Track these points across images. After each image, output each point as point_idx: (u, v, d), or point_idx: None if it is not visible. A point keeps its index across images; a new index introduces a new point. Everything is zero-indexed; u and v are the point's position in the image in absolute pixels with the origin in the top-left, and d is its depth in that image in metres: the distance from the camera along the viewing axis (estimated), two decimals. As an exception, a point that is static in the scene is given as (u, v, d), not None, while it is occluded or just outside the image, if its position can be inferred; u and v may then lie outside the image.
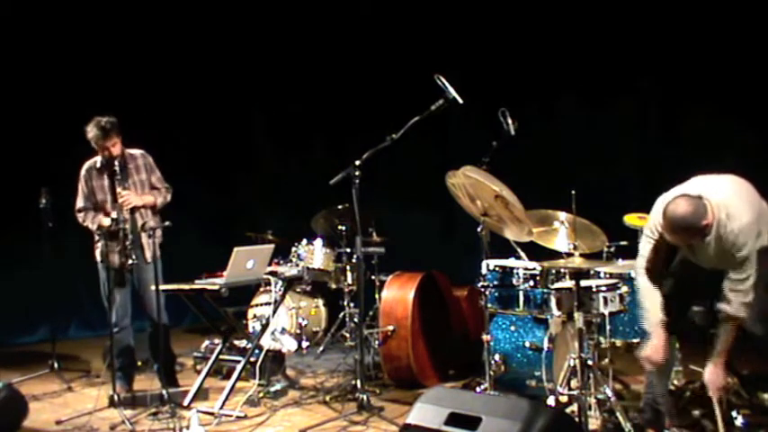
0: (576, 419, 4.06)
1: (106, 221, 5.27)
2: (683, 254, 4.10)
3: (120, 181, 5.31)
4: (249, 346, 5.54)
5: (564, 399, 4.51)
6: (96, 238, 5.37)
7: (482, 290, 4.85)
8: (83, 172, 5.46)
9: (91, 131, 5.24)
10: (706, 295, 4.16)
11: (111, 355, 5.18)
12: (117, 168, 5.30)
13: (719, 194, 3.84)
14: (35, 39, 7.66)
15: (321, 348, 6.80)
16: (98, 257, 5.37)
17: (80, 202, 5.46)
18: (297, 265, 6.47)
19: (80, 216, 5.46)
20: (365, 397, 4.86)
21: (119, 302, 5.34)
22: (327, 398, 5.26)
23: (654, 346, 3.96)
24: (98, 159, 5.41)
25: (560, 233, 4.96)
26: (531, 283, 4.94)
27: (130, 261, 5.19)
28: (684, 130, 6.75)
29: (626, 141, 6.89)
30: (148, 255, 5.28)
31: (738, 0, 6.33)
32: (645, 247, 4.09)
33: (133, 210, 5.35)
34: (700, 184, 3.93)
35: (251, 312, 6.75)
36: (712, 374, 3.89)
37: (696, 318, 4.33)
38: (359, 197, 4.82)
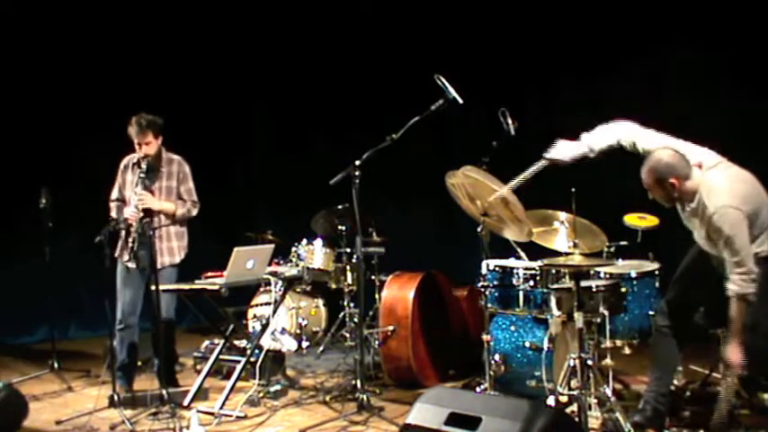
0: (576, 419, 4.06)
1: (128, 213, 5.25)
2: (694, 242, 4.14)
3: (145, 181, 5.29)
4: (249, 346, 5.54)
5: (564, 399, 4.51)
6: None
7: (482, 290, 4.85)
8: (121, 165, 5.50)
9: (131, 126, 5.27)
10: (707, 297, 4.16)
11: (112, 356, 5.18)
12: (144, 167, 5.29)
13: (714, 173, 3.93)
14: (35, 38, 7.65)
15: (321, 348, 6.80)
16: (117, 253, 5.37)
17: (114, 194, 5.51)
18: (297, 265, 6.47)
19: (111, 206, 5.49)
20: (365, 397, 4.86)
21: (127, 300, 5.34)
22: (327, 398, 5.26)
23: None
24: (136, 155, 5.40)
25: (560, 233, 4.95)
26: (531, 283, 4.95)
27: (131, 264, 5.17)
28: (685, 129, 6.73)
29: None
30: (163, 259, 5.30)
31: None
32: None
33: (150, 213, 5.29)
34: (710, 158, 4.01)
35: (251, 312, 6.75)
36: (729, 353, 3.90)
37: (697, 318, 4.34)
38: (359, 197, 4.82)
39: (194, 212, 5.52)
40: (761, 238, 3.88)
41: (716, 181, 3.91)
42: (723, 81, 6.46)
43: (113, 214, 5.41)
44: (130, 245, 5.18)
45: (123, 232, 5.27)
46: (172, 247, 5.45)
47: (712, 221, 3.83)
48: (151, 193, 5.32)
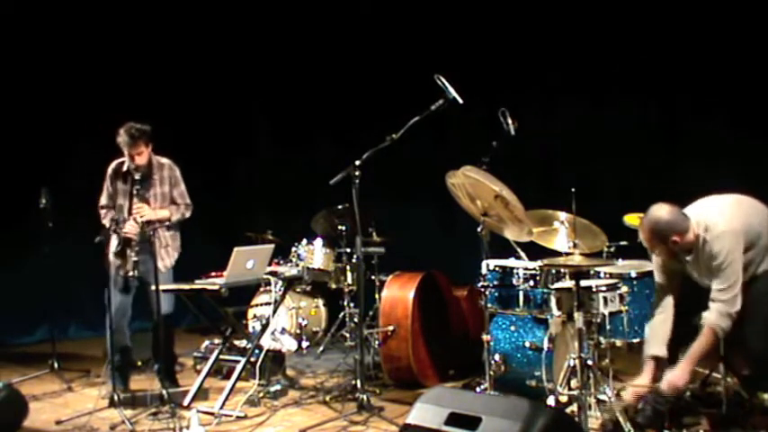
0: (576, 419, 4.06)
1: (128, 227, 5.24)
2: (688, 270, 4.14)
3: (140, 191, 5.28)
4: (249, 346, 5.54)
5: (564, 399, 4.50)
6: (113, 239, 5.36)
7: (482, 290, 4.85)
8: (109, 171, 5.47)
9: (120, 137, 5.23)
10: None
11: (112, 356, 5.18)
12: (138, 177, 5.27)
13: (702, 212, 3.94)
14: (35, 39, 7.65)
15: (321, 348, 6.80)
16: (110, 258, 5.36)
17: (103, 200, 5.49)
18: (297, 265, 6.47)
19: (101, 212, 5.48)
20: (365, 397, 4.86)
21: (118, 305, 5.32)
22: (327, 398, 5.26)
23: (640, 383, 4.06)
24: (126, 161, 5.38)
25: (560, 233, 4.95)
26: (531, 283, 4.95)
27: (131, 272, 5.17)
28: (685, 130, 6.74)
29: (626, 141, 6.88)
30: (159, 264, 5.26)
31: (743, 2, 6.32)
32: (654, 268, 4.17)
33: (147, 222, 5.28)
34: (692, 206, 3.99)
35: (251, 312, 6.75)
36: (674, 373, 3.96)
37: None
38: (359, 197, 4.82)
39: (188, 215, 5.52)
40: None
41: (707, 215, 3.93)
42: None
43: (105, 221, 5.38)
44: (134, 258, 5.17)
45: (120, 245, 5.25)
46: (168, 251, 5.47)
47: (713, 251, 3.84)
48: (146, 202, 5.32)
